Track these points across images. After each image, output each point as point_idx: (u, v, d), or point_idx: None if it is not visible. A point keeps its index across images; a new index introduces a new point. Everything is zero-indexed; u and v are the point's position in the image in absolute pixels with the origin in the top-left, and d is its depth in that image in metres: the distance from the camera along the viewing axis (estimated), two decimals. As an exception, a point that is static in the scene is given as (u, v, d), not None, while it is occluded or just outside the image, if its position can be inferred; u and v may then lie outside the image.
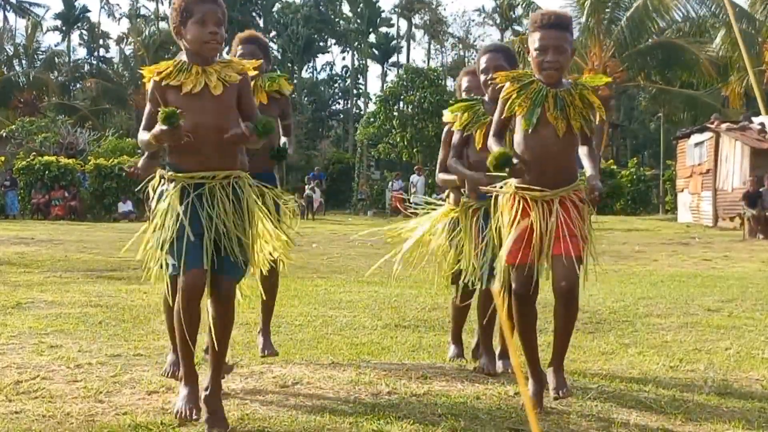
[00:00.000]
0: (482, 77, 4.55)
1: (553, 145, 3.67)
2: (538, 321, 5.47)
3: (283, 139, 4.81)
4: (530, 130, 3.67)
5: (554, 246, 3.62)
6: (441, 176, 4.81)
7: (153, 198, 3.61)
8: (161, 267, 3.55)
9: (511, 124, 3.80)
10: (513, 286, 3.74)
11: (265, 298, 4.72)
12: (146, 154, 4.13)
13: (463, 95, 4.85)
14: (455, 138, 4.59)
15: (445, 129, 4.74)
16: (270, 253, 3.85)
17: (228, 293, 3.48)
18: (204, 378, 3.59)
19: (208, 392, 3.50)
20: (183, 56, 3.59)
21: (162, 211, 3.46)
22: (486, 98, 4.54)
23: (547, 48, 3.67)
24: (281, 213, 4.33)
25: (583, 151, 3.78)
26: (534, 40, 3.72)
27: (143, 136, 3.48)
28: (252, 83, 4.55)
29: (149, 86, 3.52)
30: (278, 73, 4.92)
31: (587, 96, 3.73)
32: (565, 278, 3.60)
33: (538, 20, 3.73)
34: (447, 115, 4.68)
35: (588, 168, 3.70)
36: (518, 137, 3.74)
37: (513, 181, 3.76)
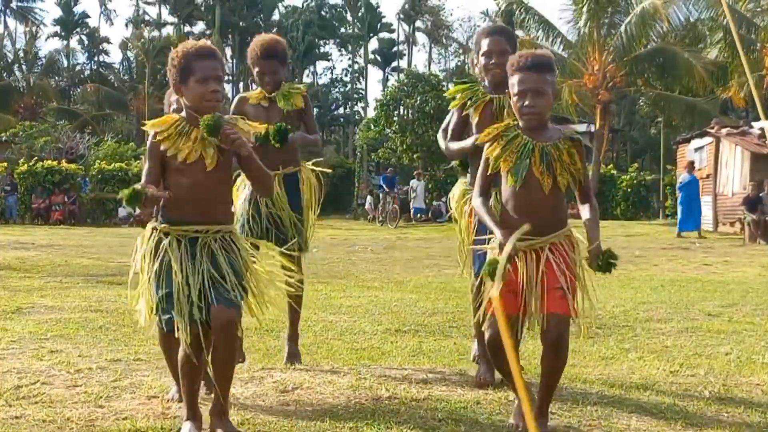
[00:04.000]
0: (483, 60, 4.41)
1: (540, 199, 3.55)
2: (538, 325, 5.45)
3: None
4: (518, 186, 3.56)
5: (547, 301, 3.49)
6: (449, 145, 4.61)
7: (142, 250, 3.54)
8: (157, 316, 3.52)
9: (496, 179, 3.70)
10: (489, 334, 3.60)
11: (291, 307, 4.83)
12: None
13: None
14: (454, 119, 4.53)
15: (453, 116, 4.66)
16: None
17: (227, 321, 3.40)
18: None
19: (215, 414, 3.48)
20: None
21: (157, 266, 3.44)
22: (485, 82, 4.45)
23: (525, 92, 3.54)
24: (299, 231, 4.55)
25: (584, 211, 3.65)
26: (513, 84, 3.58)
27: None
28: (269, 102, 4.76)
29: (148, 143, 3.51)
30: (294, 84, 4.97)
31: (574, 156, 3.59)
32: (553, 331, 3.48)
33: (516, 63, 3.59)
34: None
35: (589, 232, 3.58)
36: (505, 192, 3.64)
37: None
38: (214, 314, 3.39)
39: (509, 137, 3.62)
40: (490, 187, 3.73)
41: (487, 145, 3.67)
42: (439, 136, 4.78)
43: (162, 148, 3.45)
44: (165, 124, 3.49)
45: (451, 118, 4.65)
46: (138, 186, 3.34)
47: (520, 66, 3.57)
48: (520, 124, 3.63)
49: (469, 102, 4.46)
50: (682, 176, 21.15)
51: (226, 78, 3.55)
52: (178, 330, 3.38)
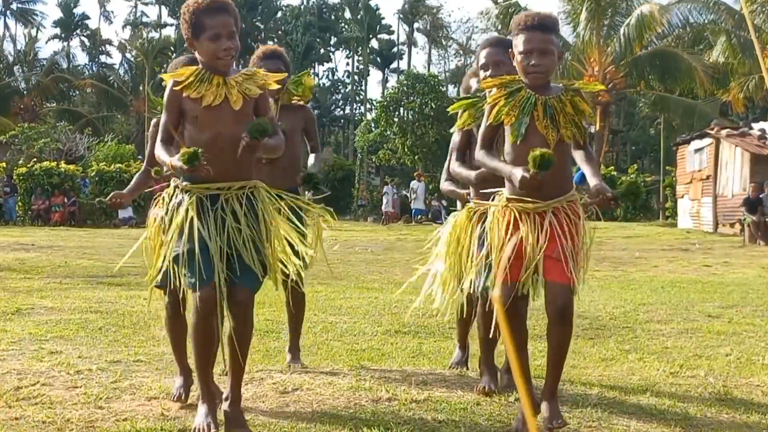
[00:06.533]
0: (482, 73, 4.33)
1: None
2: (538, 327, 5.47)
3: (310, 158, 4.84)
4: (519, 141, 3.52)
5: (547, 269, 3.47)
6: (445, 186, 4.63)
7: (167, 209, 3.50)
8: (171, 279, 3.46)
9: (500, 133, 3.64)
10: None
11: (292, 312, 4.80)
12: (135, 179, 4.20)
13: None
14: (456, 140, 4.44)
15: (454, 136, 4.55)
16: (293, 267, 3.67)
17: (245, 302, 3.44)
18: (224, 387, 3.60)
19: (228, 402, 3.49)
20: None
21: (178, 223, 3.39)
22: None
23: (531, 51, 3.50)
24: (305, 223, 4.31)
25: (578, 155, 3.59)
26: (518, 43, 3.55)
27: (161, 153, 3.40)
28: (274, 100, 4.56)
29: (166, 94, 3.46)
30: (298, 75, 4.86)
31: (579, 103, 3.56)
32: (558, 300, 3.46)
33: (522, 22, 3.56)
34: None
35: (587, 172, 3.53)
36: (507, 148, 3.58)
37: (505, 193, 3.63)
38: (233, 292, 3.39)
39: (513, 88, 3.58)
40: (492, 140, 3.64)
41: (491, 92, 3.62)
42: (455, 166, 4.41)
43: (183, 95, 3.39)
44: (183, 75, 3.43)
45: (455, 138, 4.53)
46: (199, 149, 3.26)
47: (527, 25, 3.54)
48: (525, 81, 3.59)
49: (471, 121, 4.30)
50: None
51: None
52: (195, 289, 3.33)
